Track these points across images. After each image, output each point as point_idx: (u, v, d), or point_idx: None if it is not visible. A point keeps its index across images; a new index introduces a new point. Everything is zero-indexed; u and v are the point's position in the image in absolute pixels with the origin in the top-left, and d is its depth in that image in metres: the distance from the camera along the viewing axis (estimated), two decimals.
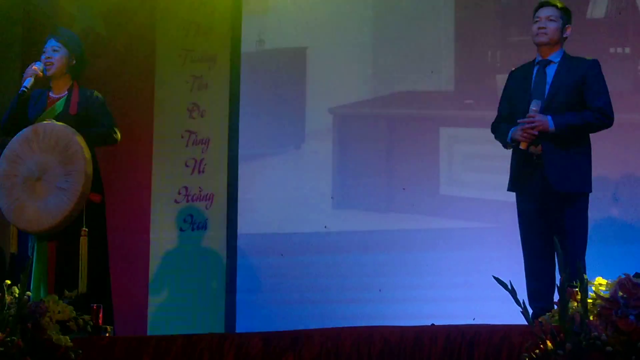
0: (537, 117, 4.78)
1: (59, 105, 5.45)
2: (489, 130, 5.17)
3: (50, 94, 5.54)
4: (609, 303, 3.66)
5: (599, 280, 3.80)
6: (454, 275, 6.19)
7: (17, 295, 4.53)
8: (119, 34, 7.28)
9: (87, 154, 5.24)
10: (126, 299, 6.55)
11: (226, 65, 7.04)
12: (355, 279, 6.44)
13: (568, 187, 4.81)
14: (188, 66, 7.12)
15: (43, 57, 5.54)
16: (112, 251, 6.36)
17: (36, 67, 5.46)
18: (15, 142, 5.37)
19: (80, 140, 5.25)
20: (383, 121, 6.68)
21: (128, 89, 7.11)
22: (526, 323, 3.76)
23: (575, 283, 3.73)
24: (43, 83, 5.55)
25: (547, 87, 4.90)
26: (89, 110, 5.50)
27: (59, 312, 4.74)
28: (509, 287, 3.74)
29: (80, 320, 4.82)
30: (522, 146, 4.81)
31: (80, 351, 4.53)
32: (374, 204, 6.59)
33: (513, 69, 5.15)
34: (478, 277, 5.76)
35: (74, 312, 4.81)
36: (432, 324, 4.28)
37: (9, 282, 4.69)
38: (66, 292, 4.87)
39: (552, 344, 3.62)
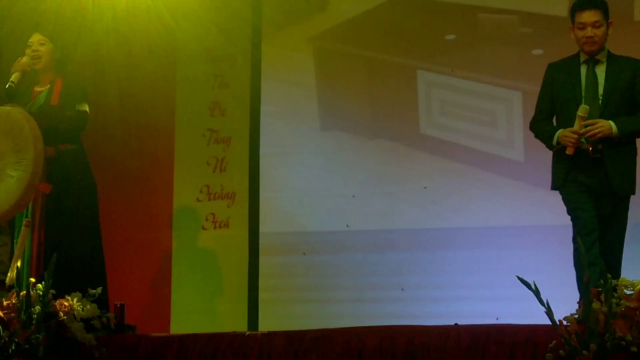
0: (599, 124, 4.66)
1: (41, 98, 5.43)
2: None
3: (35, 88, 5.53)
4: (634, 303, 3.66)
5: (623, 280, 3.79)
6: (477, 275, 6.18)
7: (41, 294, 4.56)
8: (141, 33, 7.30)
9: (39, 142, 5.08)
10: (149, 298, 6.58)
11: (247, 64, 7.05)
12: (377, 277, 6.44)
13: (627, 190, 4.76)
14: (209, 65, 7.13)
15: (28, 50, 5.50)
16: (135, 250, 6.41)
17: (23, 62, 5.46)
18: None
19: (33, 127, 5.10)
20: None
21: (149, 88, 7.12)
22: (550, 323, 3.76)
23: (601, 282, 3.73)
24: (31, 78, 5.55)
25: (600, 88, 4.78)
26: (69, 98, 5.45)
27: (83, 310, 4.73)
28: (533, 286, 3.74)
29: (104, 318, 4.82)
30: (569, 152, 4.71)
31: (104, 349, 4.55)
32: None
33: (551, 62, 5.02)
34: (502, 277, 5.75)
35: (98, 310, 4.82)
36: (456, 324, 4.27)
37: (33, 280, 4.71)
38: (90, 290, 4.87)
39: (576, 344, 3.62)
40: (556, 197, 6.06)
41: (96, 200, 5.50)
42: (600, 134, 4.67)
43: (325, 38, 6.90)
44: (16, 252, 5.11)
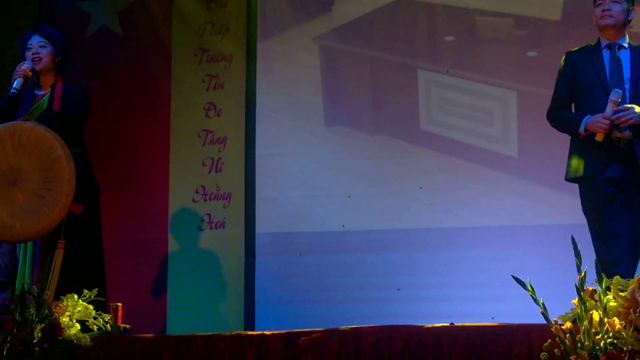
0: (632, 109, 4.57)
1: (43, 103, 5.43)
2: None
3: (37, 91, 5.53)
4: (628, 302, 3.66)
5: (617, 279, 3.80)
6: (473, 274, 6.18)
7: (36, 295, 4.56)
8: (135, 33, 7.30)
9: (71, 161, 5.00)
10: (145, 299, 6.59)
11: (242, 65, 7.05)
12: (373, 278, 6.44)
13: None
14: (204, 66, 7.13)
15: (29, 53, 5.52)
16: (130, 251, 6.40)
17: (25, 67, 5.44)
18: None
19: (63, 146, 5.02)
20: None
21: (144, 89, 7.13)
22: (545, 322, 3.76)
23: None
24: (32, 81, 5.55)
25: (627, 72, 4.71)
26: (71, 100, 5.47)
27: (78, 311, 4.73)
28: (528, 286, 3.75)
29: (100, 319, 4.82)
30: (599, 137, 4.60)
31: (100, 351, 4.55)
32: None
33: (568, 50, 4.97)
34: (497, 276, 5.75)
35: (94, 311, 4.81)
36: (452, 323, 4.28)
37: (28, 281, 4.72)
38: (85, 291, 4.87)
39: (571, 343, 3.63)
40: (552, 197, 6.11)
41: (99, 204, 5.51)
42: (632, 120, 4.60)
43: (330, 38, 6.92)
44: (54, 274, 4.95)
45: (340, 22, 6.90)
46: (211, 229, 6.90)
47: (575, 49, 4.93)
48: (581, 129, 4.71)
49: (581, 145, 4.77)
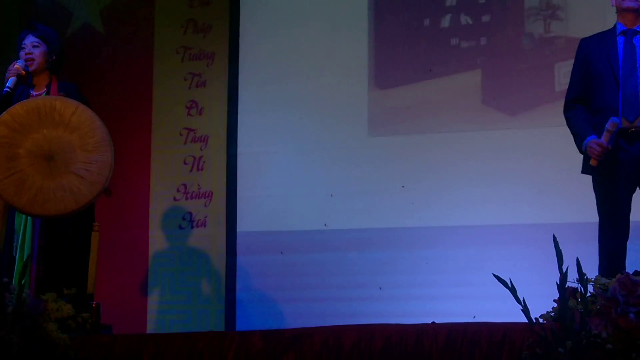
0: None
1: None
2: None
3: (31, 91, 5.49)
4: (609, 301, 3.67)
5: (599, 278, 3.80)
6: (454, 273, 6.18)
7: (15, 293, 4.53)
8: (117, 31, 7.28)
9: (112, 146, 5.00)
10: (125, 297, 6.56)
11: (224, 63, 7.04)
12: (355, 276, 6.44)
13: None
14: (186, 63, 7.11)
15: (22, 52, 5.50)
16: (111, 249, 6.37)
17: (18, 66, 5.42)
18: (20, 110, 5.01)
19: (106, 130, 5.01)
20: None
21: (126, 87, 7.12)
22: (527, 321, 3.76)
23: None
24: (25, 80, 5.52)
25: None
26: None
27: (57, 310, 4.70)
28: (509, 285, 3.75)
29: (79, 318, 4.80)
30: (592, 163, 4.56)
31: (79, 350, 4.52)
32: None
33: (584, 37, 4.89)
34: (478, 275, 5.76)
35: (73, 310, 4.79)
36: (433, 322, 4.27)
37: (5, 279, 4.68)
38: (65, 290, 4.85)
39: (552, 342, 3.63)
40: (534, 197, 6.13)
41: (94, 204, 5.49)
42: None
43: None
44: (91, 259, 4.98)
45: None
46: (192, 227, 6.89)
47: (592, 35, 4.86)
48: (583, 148, 4.66)
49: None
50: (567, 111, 4.84)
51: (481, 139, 6.40)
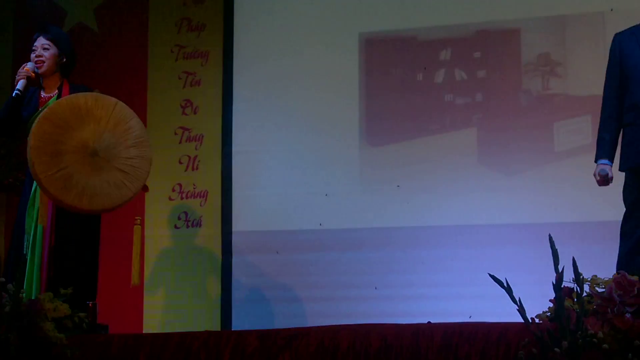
0: None
1: (49, 105, 5.41)
2: None
3: (42, 93, 5.49)
4: (605, 301, 3.67)
5: (595, 278, 3.81)
6: (450, 273, 6.19)
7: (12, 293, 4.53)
8: (111, 29, 7.27)
9: (149, 141, 5.13)
10: (121, 297, 6.56)
11: (219, 62, 7.04)
12: (350, 276, 6.45)
13: None
14: (181, 62, 7.11)
15: (33, 55, 5.50)
16: (107, 249, 6.35)
17: (28, 68, 5.42)
18: (63, 106, 5.05)
19: (143, 125, 5.17)
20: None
21: (120, 86, 7.09)
22: (523, 321, 3.77)
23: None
24: (35, 82, 5.52)
25: None
26: None
27: (54, 310, 4.70)
28: (505, 284, 3.75)
29: (76, 317, 4.79)
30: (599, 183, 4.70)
31: (76, 349, 4.52)
32: None
33: (617, 32, 4.86)
34: (474, 275, 5.77)
35: (70, 309, 4.79)
36: (429, 322, 4.27)
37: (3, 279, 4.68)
38: (62, 290, 4.84)
39: (548, 341, 3.63)
40: (530, 196, 6.14)
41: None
42: None
43: None
44: (134, 252, 5.14)
45: None
46: (188, 227, 6.89)
47: (625, 29, 4.84)
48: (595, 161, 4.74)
49: (624, 137, 4.73)
50: (602, 112, 4.82)
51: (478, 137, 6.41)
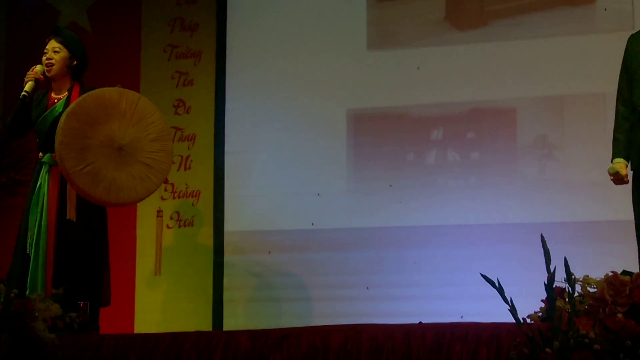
0: None
1: (59, 106, 5.40)
2: None
3: (52, 95, 5.52)
4: (597, 301, 3.67)
5: (587, 278, 3.80)
6: (442, 273, 6.19)
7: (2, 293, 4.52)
8: (104, 29, 7.26)
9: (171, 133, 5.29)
10: (113, 297, 6.53)
11: (212, 61, 7.03)
12: (342, 276, 6.44)
13: None
14: (173, 62, 7.11)
15: (43, 57, 5.53)
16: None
17: (37, 70, 5.47)
18: (88, 101, 5.12)
19: (163, 117, 5.29)
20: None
21: (113, 85, 7.07)
22: (514, 321, 3.76)
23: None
24: (45, 85, 5.53)
25: None
26: None
27: (45, 310, 4.69)
28: (497, 284, 3.75)
29: (67, 317, 4.79)
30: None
31: (67, 349, 4.51)
32: None
33: (633, 33, 4.82)
34: (466, 275, 5.75)
35: (61, 309, 4.78)
36: (420, 322, 4.27)
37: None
38: (53, 290, 4.84)
39: (540, 342, 3.63)
40: (521, 196, 6.13)
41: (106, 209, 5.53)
42: None
43: None
44: (158, 245, 5.42)
45: None
46: (180, 227, 6.88)
47: (638, 30, 4.83)
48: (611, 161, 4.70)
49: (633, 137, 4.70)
50: (617, 113, 4.78)
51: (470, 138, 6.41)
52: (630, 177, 4.69)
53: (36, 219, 5.32)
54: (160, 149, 5.19)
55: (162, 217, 5.46)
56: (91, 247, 5.37)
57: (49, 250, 5.26)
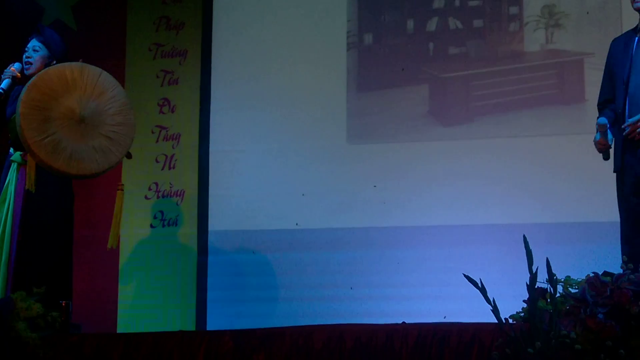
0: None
1: None
2: None
3: None
4: (578, 302, 3.69)
5: (569, 279, 3.82)
6: (425, 273, 6.19)
7: None
8: (89, 27, 7.24)
9: (133, 108, 5.31)
10: (96, 296, 6.53)
11: (197, 60, 7.02)
12: (326, 276, 6.43)
13: None
14: (158, 61, 7.09)
15: (24, 55, 5.54)
16: (82, 247, 6.33)
17: (14, 69, 5.47)
18: (50, 74, 5.16)
19: (125, 92, 5.34)
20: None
21: None
22: (496, 321, 3.77)
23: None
24: (21, 83, 5.51)
25: None
26: None
27: (27, 309, 4.67)
28: (480, 285, 3.76)
29: (49, 317, 4.77)
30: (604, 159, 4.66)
31: (49, 349, 4.49)
32: None
33: (616, 37, 4.84)
34: (449, 275, 5.78)
35: (42, 309, 4.76)
36: (403, 322, 4.28)
37: None
38: (35, 289, 4.82)
39: (522, 342, 3.64)
40: (505, 196, 6.15)
41: (72, 207, 5.54)
42: None
43: None
44: (116, 218, 5.35)
45: None
46: (164, 226, 6.87)
47: (621, 34, 4.84)
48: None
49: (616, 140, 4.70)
50: (598, 107, 4.84)
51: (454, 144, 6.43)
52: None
53: (1, 218, 5.31)
54: (121, 123, 5.21)
55: (122, 190, 5.42)
56: (57, 243, 5.34)
57: (11, 249, 5.24)
